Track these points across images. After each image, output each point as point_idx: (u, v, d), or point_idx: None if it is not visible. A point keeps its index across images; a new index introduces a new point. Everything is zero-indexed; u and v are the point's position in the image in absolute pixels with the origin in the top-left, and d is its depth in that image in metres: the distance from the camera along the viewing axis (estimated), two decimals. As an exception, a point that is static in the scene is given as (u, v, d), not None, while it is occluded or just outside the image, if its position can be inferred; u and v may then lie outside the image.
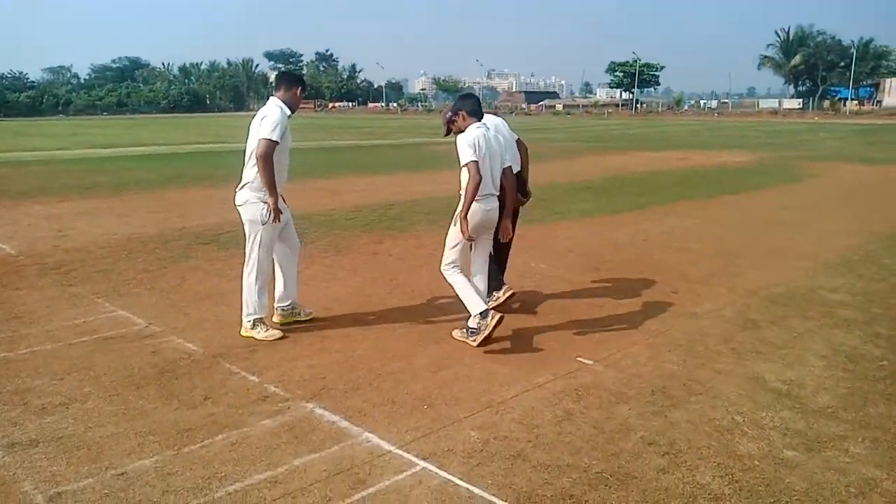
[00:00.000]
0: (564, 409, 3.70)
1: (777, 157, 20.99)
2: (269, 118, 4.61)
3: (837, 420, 3.63)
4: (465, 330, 4.73)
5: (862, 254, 7.55)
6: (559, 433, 3.42)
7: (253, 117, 4.81)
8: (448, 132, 5.08)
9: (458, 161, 4.59)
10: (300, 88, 4.92)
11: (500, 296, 5.50)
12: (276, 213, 4.65)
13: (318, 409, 3.65)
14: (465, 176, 4.59)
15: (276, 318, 5.06)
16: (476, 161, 4.53)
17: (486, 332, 4.58)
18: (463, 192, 4.59)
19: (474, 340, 4.62)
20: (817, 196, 12.43)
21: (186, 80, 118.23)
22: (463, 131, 4.71)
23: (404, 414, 3.62)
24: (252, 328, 4.78)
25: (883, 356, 4.55)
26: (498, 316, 4.60)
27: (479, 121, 4.79)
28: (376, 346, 4.62)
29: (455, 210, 4.71)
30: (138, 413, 3.58)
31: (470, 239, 4.70)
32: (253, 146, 4.64)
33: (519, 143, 5.49)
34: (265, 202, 4.64)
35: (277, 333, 4.76)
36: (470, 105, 4.83)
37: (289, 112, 4.76)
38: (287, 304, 5.08)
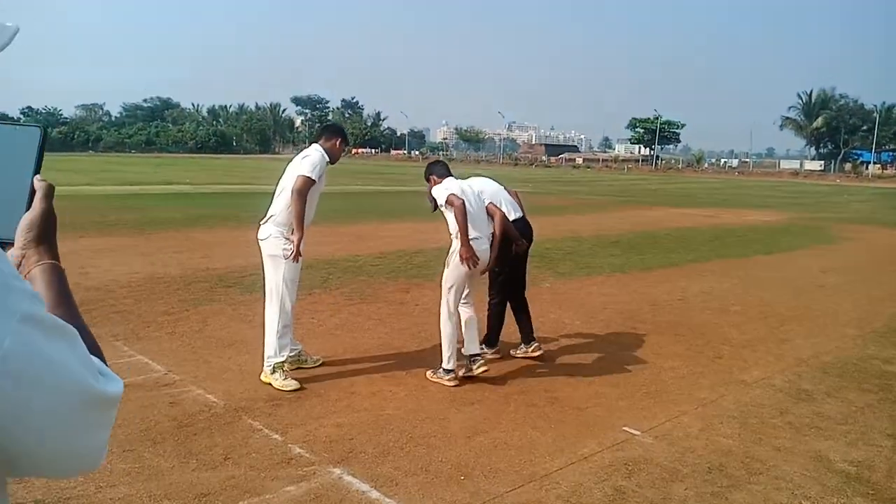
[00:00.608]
0: (615, 487, 3.38)
1: (805, 218, 20.64)
2: (309, 158, 4.70)
3: (919, 512, 3.27)
4: (435, 371, 4.83)
5: (912, 322, 7.18)
6: (612, 515, 3.10)
7: (290, 161, 4.84)
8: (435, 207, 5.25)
9: (441, 208, 4.83)
10: (340, 140, 4.98)
11: (529, 351, 5.44)
12: (298, 251, 4.57)
13: (346, 476, 3.35)
14: (451, 219, 4.78)
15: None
16: (455, 192, 4.73)
17: (439, 381, 4.72)
18: (455, 234, 4.76)
19: (437, 375, 4.75)
20: (855, 259, 12.06)
21: (215, 122, 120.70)
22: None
23: (439, 485, 3.32)
24: (272, 373, 4.57)
25: (956, 438, 4.18)
26: (455, 382, 4.72)
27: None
28: (406, 405, 4.33)
29: (452, 251, 4.80)
30: (154, 472, 3.31)
31: (470, 268, 4.78)
32: (287, 182, 4.66)
33: (510, 192, 5.63)
34: (288, 238, 4.58)
35: (293, 384, 4.52)
36: (439, 169, 5.17)
37: (327, 159, 4.79)
38: (294, 351, 4.89)
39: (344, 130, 5.19)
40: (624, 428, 4.13)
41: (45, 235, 0.84)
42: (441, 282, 4.91)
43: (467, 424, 4.06)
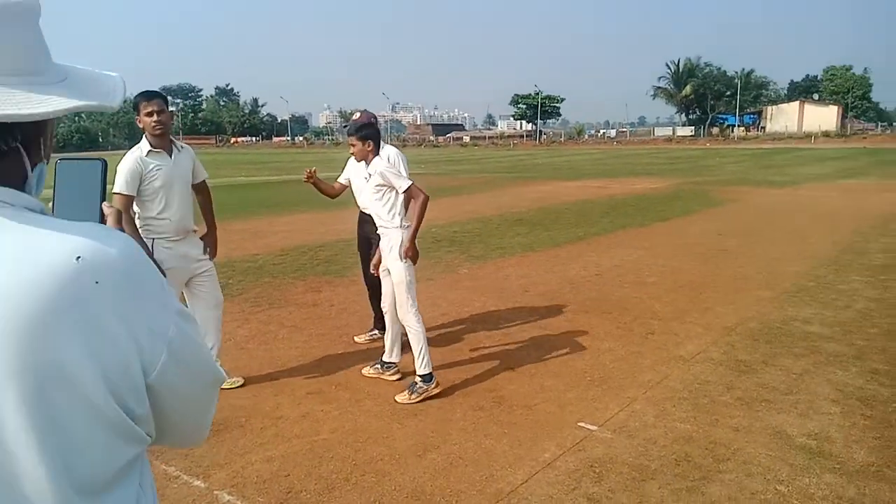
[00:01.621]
0: (587, 496, 3.10)
1: (688, 183, 21.56)
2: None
3: (887, 482, 3.21)
4: (411, 390, 4.25)
5: (815, 280, 7.44)
6: (595, 532, 2.81)
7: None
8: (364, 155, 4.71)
9: (392, 188, 4.26)
10: None
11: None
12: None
13: (289, 524, 2.88)
14: (387, 206, 4.31)
15: None
16: (414, 182, 4.28)
17: (423, 398, 4.21)
18: (398, 222, 4.31)
19: (407, 397, 4.21)
20: (745, 220, 12.59)
21: (77, 118, 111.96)
22: (365, 159, 4.41)
23: (398, 519, 2.91)
24: None
25: (893, 396, 4.22)
26: (439, 389, 4.29)
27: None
28: (343, 425, 3.86)
29: (393, 244, 4.28)
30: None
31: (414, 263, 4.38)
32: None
33: None
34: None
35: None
36: (376, 133, 4.51)
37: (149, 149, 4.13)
38: None
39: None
40: (579, 424, 3.87)
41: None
42: (395, 282, 4.31)
43: (415, 441, 3.66)
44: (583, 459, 3.44)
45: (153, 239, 4.09)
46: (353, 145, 4.44)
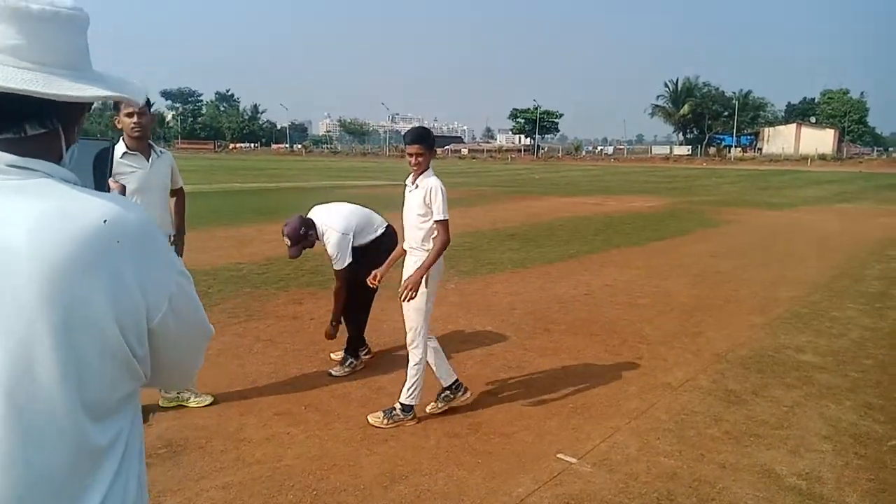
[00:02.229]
0: (562, 537, 2.90)
1: (684, 202, 21.47)
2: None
3: (881, 530, 3.02)
4: (387, 415, 4.06)
5: (809, 306, 7.27)
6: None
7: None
8: (299, 252, 4.81)
9: (431, 211, 3.94)
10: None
11: (364, 358, 5.12)
12: None
13: (238, 562, 2.67)
14: (424, 228, 3.97)
15: (161, 402, 4.13)
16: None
17: (395, 426, 4.02)
18: (423, 249, 3.99)
19: (380, 420, 4.02)
20: (740, 242, 12.43)
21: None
22: (424, 171, 4.01)
23: (357, 559, 2.71)
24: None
25: (888, 434, 4.04)
26: (414, 423, 4.09)
27: None
28: (309, 451, 3.65)
29: (419, 272, 3.95)
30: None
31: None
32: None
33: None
34: None
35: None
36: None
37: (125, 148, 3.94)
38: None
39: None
40: (558, 455, 3.67)
41: None
42: (414, 306, 4.02)
43: (383, 469, 3.46)
44: (558, 496, 3.24)
45: None
46: (420, 155, 3.92)
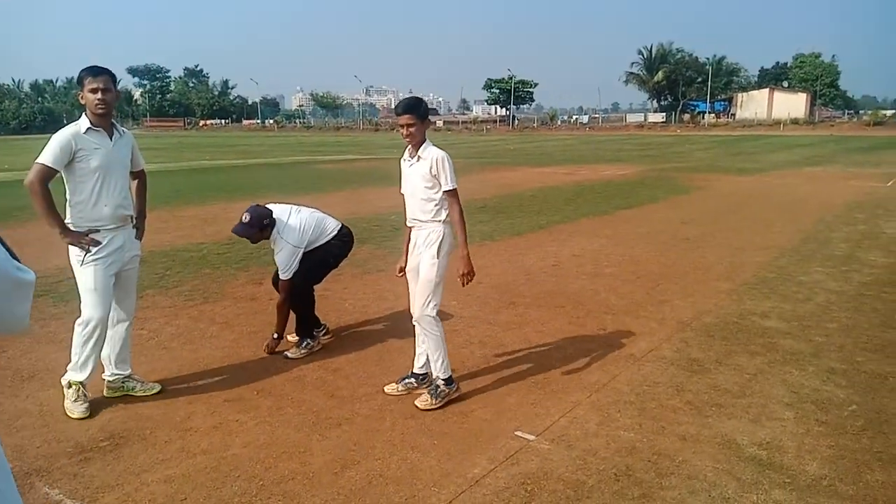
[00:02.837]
0: (515, 519, 2.81)
1: (656, 170, 21.45)
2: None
3: (839, 497, 2.97)
4: (434, 395, 3.93)
5: (776, 271, 7.25)
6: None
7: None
8: (248, 235, 4.64)
9: (438, 183, 3.83)
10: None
11: (323, 339, 4.99)
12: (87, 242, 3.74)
13: (173, 560, 2.54)
14: (434, 200, 3.85)
15: (105, 391, 3.99)
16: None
17: (445, 402, 3.92)
18: (444, 216, 3.89)
19: (430, 402, 3.90)
20: (710, 208, 12.43)
21: (40, 99, 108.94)
22: (422, 144, 3.88)
23: (301, 551, 2.59)
24: (67, 388, 3.83)
25: (849, 399, 4.01)
26: (459, 392, 4.03)
27: None
28: (257, 438, 3.52)
29: (433, 240, 3.86)
30: None
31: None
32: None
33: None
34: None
35: (79, 411, 3.75)
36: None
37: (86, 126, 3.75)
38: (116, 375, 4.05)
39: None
40: (516, 433, 3.58)
41: None
42: (425, 278, 3.89)
43: (334, 455, 3.33)
44: (514, 475, 3.15)
45: (88, 228, 3.72)
46: (411, 125, 3.77)
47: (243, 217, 4.62)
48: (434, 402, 3.89)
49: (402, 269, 4.18)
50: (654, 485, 3.08)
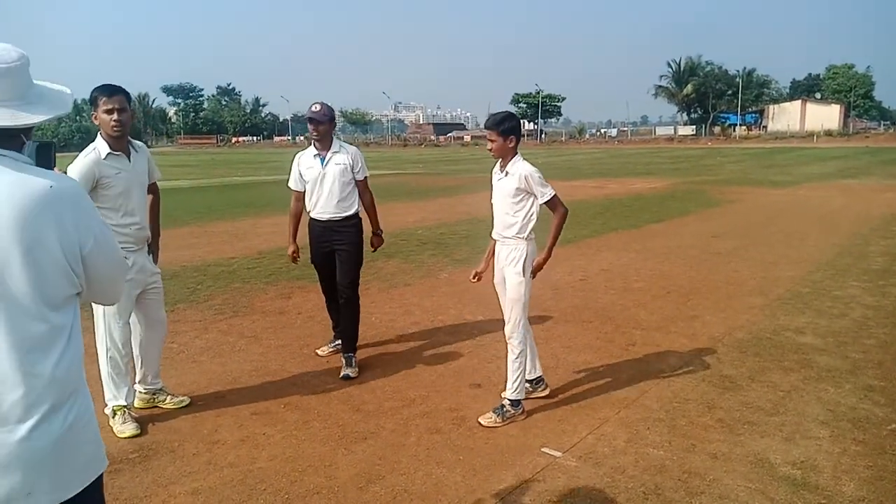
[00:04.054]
0: (541, 537, 2.77)
1: (687, 183, 21.21)
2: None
3: (878, 520, 2.87)
4: (499, 413, 3.91)
5: (810, 285, 7.10)
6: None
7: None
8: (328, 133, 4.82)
9: (529, 197, 3.88)
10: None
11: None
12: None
13: (199, 573, 2.55)
14: (518, 217, 3.89)
15: (136, 403, 4.02)
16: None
17: (508, 423, 3.88)
18: (527, 233, 3.93)
19: (493, 420, 3.88)
20: (740, 222, 12.23)
21: (78, 117, 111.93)
22: (512, 159, 3.93)
23: (325, 566, 2.58)
24: (112, 417, 3.80)
25: (888, 417, 3.88)
26: (524, 417, 3.97)
27: None
28: (284, 452, 3.53)
29: (517, 257, 3.92)
30: None
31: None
32: None
33: None
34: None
35: (129, 430, 3.73)
36: (520, 132, 3.99)
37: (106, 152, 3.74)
38: (150, 388, 4.10)
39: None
40: (543, 449, 3.54)
41: None
42: (511, 297, 3.97)
43: (359, 469, 3.33)
44: (540, 493, 3.11)
45: None
46: (493, 141, 3.87)
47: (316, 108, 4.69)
48: (498, 420, 3.86)
49: (478, 275, 4.23)
50: (683, 503, 3.01)
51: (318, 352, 5.06)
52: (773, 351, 5.06)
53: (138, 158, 3.87)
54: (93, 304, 3.82)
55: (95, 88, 3.66)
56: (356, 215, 4.82)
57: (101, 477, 1.67)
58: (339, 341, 4.96)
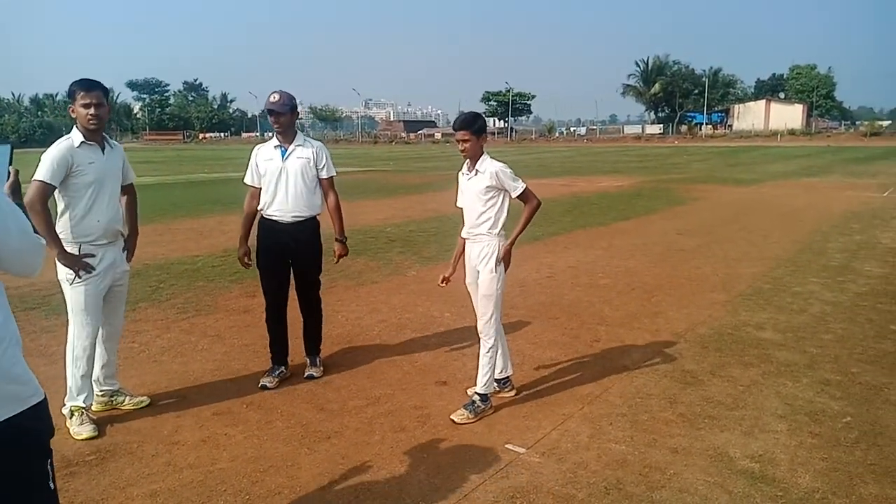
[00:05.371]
0: (503, 534, 2.77)
1: (654, 181, 21.48)
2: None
3: (832, 511, 2.94)
4: (470, 409, 3.92)
5: (771, 282, 7.24)
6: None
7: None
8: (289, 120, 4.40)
9: (500, 194, 3.93)
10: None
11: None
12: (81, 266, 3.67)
13: (155, 577, 2.50)
14: (490, 213, 3.93)
15: (94, 406, 3.94)
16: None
17: (479, 418, 3.91)
18: (499, 229, 3.97)
19: (465, 416, 3.89)
20: (707, 219, 12.43)
21: (40, 112, 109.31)
22: (479, 158, 3.96)
23: (285, 567, 2.55)
24: (70, 418, 3.73)
25: (843, 411, 3.97)
26: (492, 411, 4.01)
27: None
28: (245, 452, 3.48)
29: (489, 253, 3.93)
30: None
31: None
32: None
33: None
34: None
35: (86, 432, 3.65)
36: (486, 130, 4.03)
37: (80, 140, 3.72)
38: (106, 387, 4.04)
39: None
40: (507, 446, 3.55)
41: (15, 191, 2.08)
42: (484, 294, 3.98)
43: (322, 469, 3.30)
44: (504, 489, 3.12)
45: (80, 243, 3.68)
46: (466, 141, 3.86)
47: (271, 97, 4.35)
48: (471, 416, 3.88)
49: (445, 279, 4.25)
50: (645, 498, 3.04)
51: (266, 383, 4.37)
52: (734, 346, 5.14)
53: (112, 154, 3.86)
54: (67, 302, 3.74)
55: (74, 82, 3.68)
56: (316, 217, 4.50)
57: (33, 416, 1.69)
58: (283, 368, 4.54)
